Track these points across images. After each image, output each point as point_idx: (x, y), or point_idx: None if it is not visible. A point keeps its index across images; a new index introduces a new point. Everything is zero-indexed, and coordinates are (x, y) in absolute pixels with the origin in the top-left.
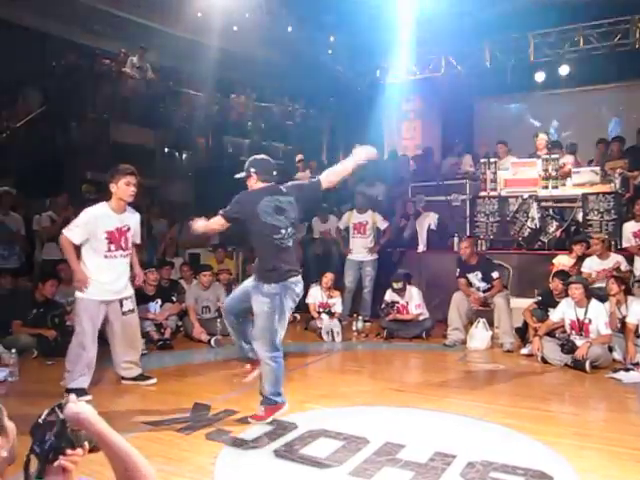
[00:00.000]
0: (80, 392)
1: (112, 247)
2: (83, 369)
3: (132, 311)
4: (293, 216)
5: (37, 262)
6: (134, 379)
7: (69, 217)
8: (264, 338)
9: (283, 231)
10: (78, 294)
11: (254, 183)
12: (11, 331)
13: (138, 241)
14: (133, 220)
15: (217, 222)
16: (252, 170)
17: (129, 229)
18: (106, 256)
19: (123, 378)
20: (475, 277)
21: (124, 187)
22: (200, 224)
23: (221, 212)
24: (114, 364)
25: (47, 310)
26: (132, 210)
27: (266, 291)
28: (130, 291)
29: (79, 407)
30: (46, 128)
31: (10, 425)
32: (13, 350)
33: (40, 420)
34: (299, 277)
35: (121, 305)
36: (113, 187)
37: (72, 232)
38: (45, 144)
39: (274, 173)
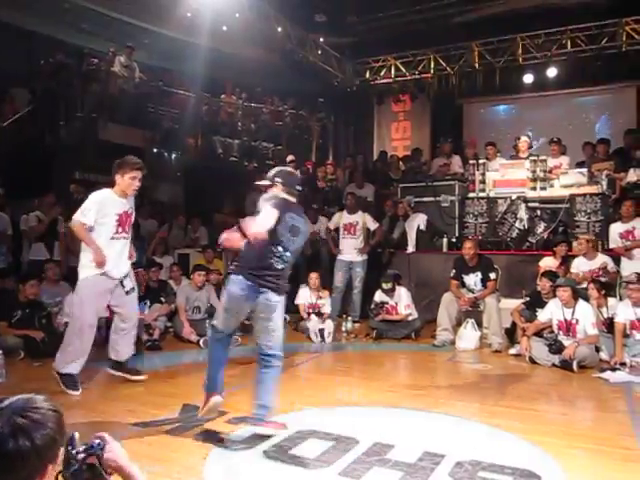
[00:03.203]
0: (69, 378)
1: (119, 229)
2: (76, 355)
3: (133, 289)
4: (300, 243)
5: (24, 262)
6: (127, 371)
7: (56, 217)
8: None
9: (280, 249)
10: (84, 273)
11: (278, 192)
12: None
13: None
14: (133, 204)
15: (272, 215)
16: (278, 180)
17: (132, 213)
18: (112, 238)
19: (113, 367)
20: (474, 277)
21: (129, 181)
22: (253, 229)
23: (270, 204)
24: (109, 347)
25: (33, 311)
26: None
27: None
28: (129, 269)
29: (116, 452)
30: (34, 128)
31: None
32: (0, 351)
33: (77, 455)
34: (240, 277)
35: (122, 286)
36: (118, 178)
37: (86, 216)
38: (33, 144)
39: (298, 188)
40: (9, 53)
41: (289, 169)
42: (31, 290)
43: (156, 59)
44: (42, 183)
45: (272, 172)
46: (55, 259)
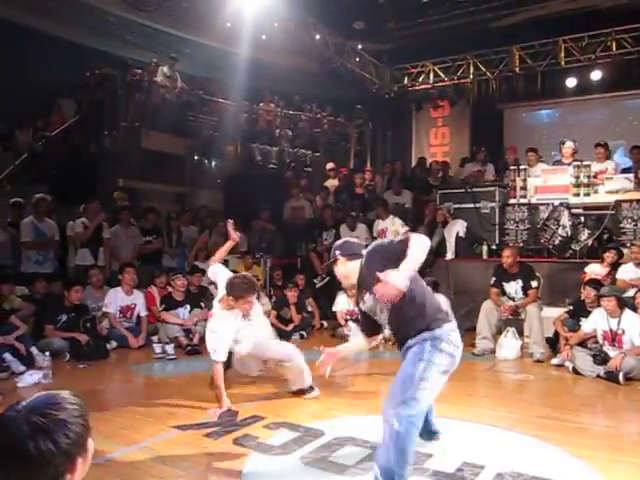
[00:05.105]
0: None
1: None
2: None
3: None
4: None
5: (70, 267)
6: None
7: (101, 224)
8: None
9: None
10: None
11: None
12: (44, 334)
13: None
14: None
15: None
16: (337, 253)
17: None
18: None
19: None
20: (515, 285)
21: (244, 305)
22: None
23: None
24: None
25: (78, 315)
26: None
27: None
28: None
29: None
30: (80, 137)
31: (91, 444)
32: (47, 353)
33: None
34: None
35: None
36: (231, 301)
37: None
38: (79, 152)
39: (362, 251)
40: (57, 65)
41: (344, 239)
42: (76, 295)
43: (197, 68)
44: (87, 190)
45: (333, 249)
46: (100, 264)
